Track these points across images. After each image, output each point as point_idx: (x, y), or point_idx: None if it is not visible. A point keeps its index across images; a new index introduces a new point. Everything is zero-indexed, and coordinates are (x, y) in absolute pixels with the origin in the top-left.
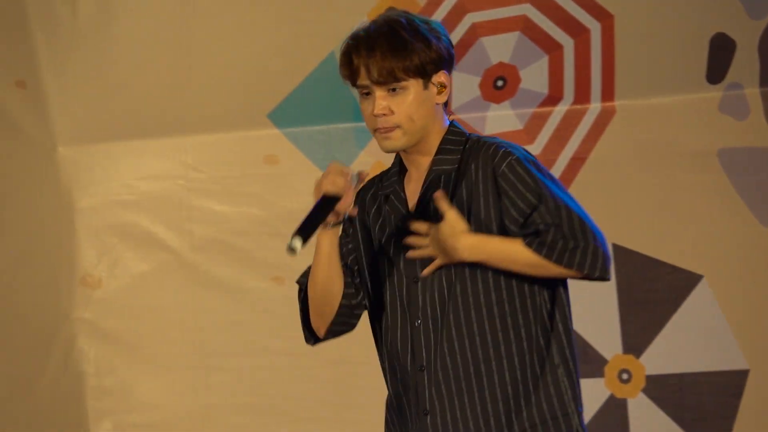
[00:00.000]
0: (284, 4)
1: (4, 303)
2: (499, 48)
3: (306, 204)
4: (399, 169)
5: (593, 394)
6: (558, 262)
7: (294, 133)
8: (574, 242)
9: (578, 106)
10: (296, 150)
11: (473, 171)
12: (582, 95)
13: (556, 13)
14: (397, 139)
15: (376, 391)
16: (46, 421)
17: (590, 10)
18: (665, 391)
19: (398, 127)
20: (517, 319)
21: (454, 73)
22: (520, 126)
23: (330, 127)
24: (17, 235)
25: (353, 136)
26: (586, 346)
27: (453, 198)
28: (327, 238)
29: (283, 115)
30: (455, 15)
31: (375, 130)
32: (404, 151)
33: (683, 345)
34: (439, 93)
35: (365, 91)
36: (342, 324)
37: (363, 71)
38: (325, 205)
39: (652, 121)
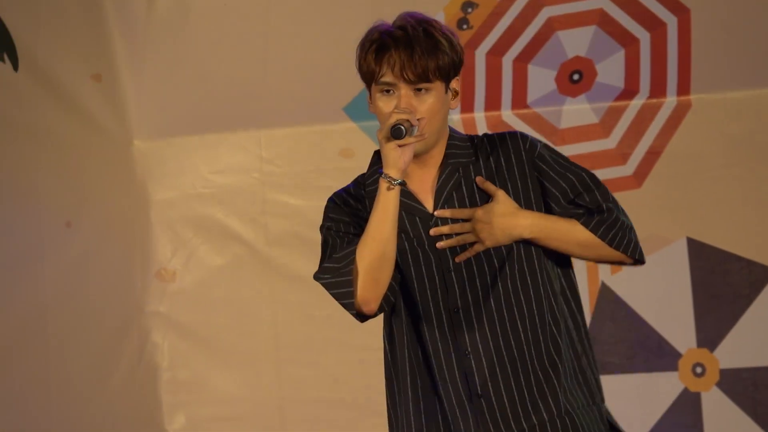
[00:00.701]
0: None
1: (79, 296)
2: (575, 42)
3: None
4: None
5: (667, 387)
6: (611, 243)
7: (370, 127)
8: (622, 226)
9: (654, 100)
10: (372, 143)
11: (501, 160)
12: (658, 89)
13: (632, 7)
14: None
15: None
16: (120, 414)
17: (666, 4)
18: (739, 385)
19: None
20: (548, 305)
21: (531, 67)
22: (595, 120)
23: None
24: (93, 228)
25: None
26: (661, 340)
27: (475, 183)
28: (394, 194)
29: (359, 109)
30: (531, 9)
31: None
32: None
33: (757, 339)
34: (453, 98)
35: (387, 88)
36: (392, 293)
37: (397, 68)
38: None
39: (728, 115)
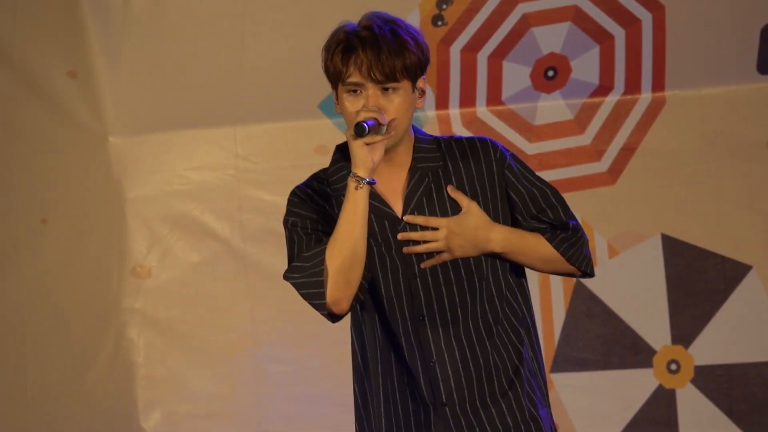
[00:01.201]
0: None
1: (55, 293)
2: (550, 38)
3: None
4: (349, 170)
5: (642, 384)
6: (570, 259)
7: (344, 124)
8: (582, 243)
9: (629, 97)
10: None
11: (470, 167)
12: (633, 85)
13: (607, 3)
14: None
15: None
16: (96, 410)
17: (641, 1)
18: (714, 381)
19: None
20: (511, 314)
21: (506, 63)
22: (570, 116)
23: None
24: (69, 225)
25: None
26: (635, 337)
27: (445, 189)
28: (363, 194)
29: (334, 106)
30: (507, 5)
31: None
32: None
33: (732, 335)
34: (420, 98)
35: (354, 88)
36: (361, 291)
37: (364, 68)
38: (371, 124)
39: (703, 112)
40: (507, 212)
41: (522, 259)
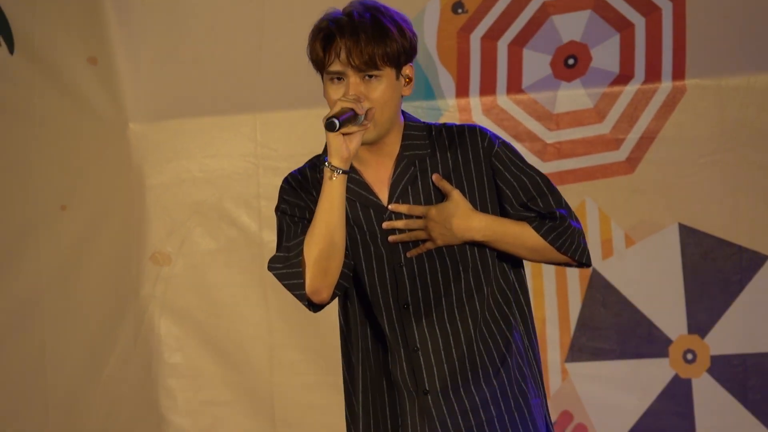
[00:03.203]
0: None
1: (74, 279)
2: (570, 26)
3: None
4: None
5: (657, 374)
6: (560, 249)
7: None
8: (572, 232)
9: (649, 85)
10: None
11: (457, 155)
12: (653, 74)
13: None
14: (369, 131)
15: None
16: (115, 397)
17: None
18: (729, 371)
19: (372, 108)
20: (498, 302)
21: (526, 51)
22: (590, 105)
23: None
24: (88, 212)
25: (424, 114)
26: (651, 327)
27: (431, 177)
28: (339, 183)
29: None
30: None
31: None
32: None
33: (748, 325)
34: (406, 85)
35: (337, 76)
36: (345, 280)
37: (343, 55)
38: (347, 116)
39: (723, 101)
40: (495, 201)
41: (507, 248)
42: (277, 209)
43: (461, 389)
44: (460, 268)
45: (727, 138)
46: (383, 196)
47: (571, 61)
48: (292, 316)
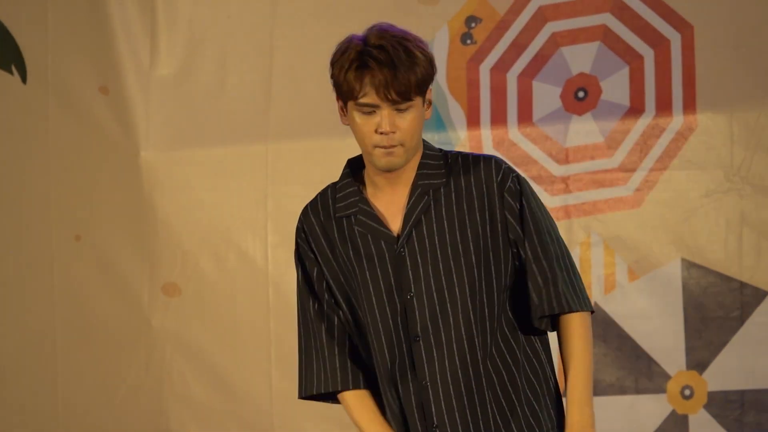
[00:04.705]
0: (364, 12)
1: (88, 309)
2: (579, 58)
3: None
4: (356, 186)
5: (655, 409)
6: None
7: None
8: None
9: (659, 120)
10: None
11: (470, 184)
12: (663, 108)
13: (635, 22)
14: (400, 157)
15: None
16: (126, 426)
17: (670, 20)
18: (727, 407)
19: (401, 144)
20: (509, 334)
21: (536, 83)
22: (601, 139)
23: None
24: (101, 241)
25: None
26: (651, 362)
27: (446, 210)
28: None
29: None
30: (536, 23)
31: (375, 147)
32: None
33: (746, 361)
34: (427, 109)
35: (369, 109)
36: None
37: (381, 90)
38: None
39: (733, 136)
40: (497, 233)
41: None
42: (296, 265)
43: (470, 424)
44: (468, 300)
45: (735, 173)
46: (395, 225)
47: (581, 94)
48: (293, 348)
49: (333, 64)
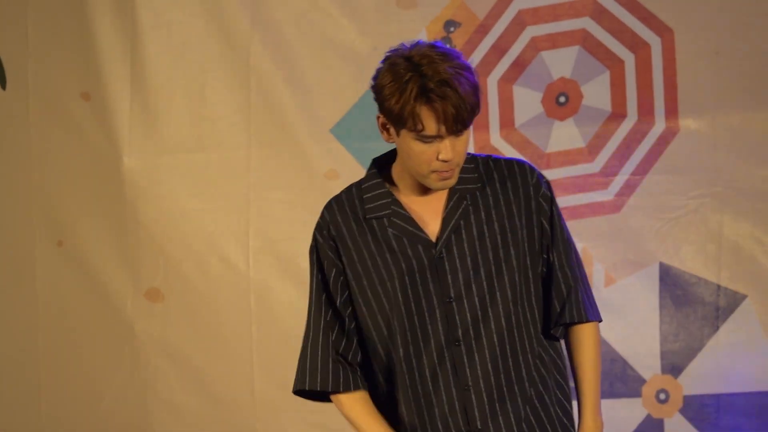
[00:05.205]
0: (344, 18)
1: (69, 315)
2: (559, 62)
3: None
4: (386, 188)
5: (630, 414)
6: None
7: (356, 148)
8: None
9: (641, 125)
10: (357, 165)
11: (507, 189)
12: (645, 113)
13: (615, 26)
14: (455, 177)
15: None
16: None
17: (650, 24)
18: (702, 411)
19: (457, 165)
20: (539, 338)
21: (517, 88)
22: (582, 144)
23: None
24: (84, 247)
25: None
26: (626, 366)
27: (485, 215)
28: None
29: (346, 130)
30: (515, 28)
31: (433, 171)
32: None
33: (722, 365)
34: None
35: (431, 140)
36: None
37: (449, 123)
38: None
39: (715, 141)
40: (533, 239)
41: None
42: (311, 261)
43: (513, 426)
44: (510, 304)
45: (715, 178)
46: (433, 230)
47: (562, 99)
48: (275, 354)
49: (383, 88)
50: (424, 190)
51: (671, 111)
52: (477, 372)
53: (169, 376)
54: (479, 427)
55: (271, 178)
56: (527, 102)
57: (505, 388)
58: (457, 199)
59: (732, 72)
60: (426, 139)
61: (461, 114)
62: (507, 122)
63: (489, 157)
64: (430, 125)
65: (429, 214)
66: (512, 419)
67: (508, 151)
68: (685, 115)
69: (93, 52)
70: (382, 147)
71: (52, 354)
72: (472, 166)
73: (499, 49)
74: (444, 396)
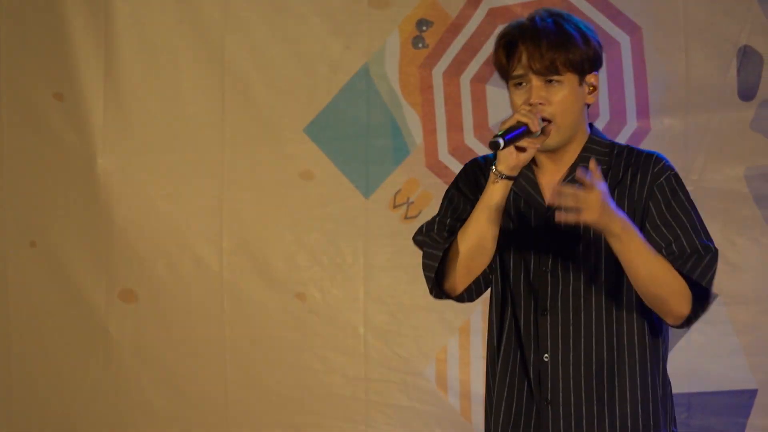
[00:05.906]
0: (315, 16)
1: (42, 316)
2: None
3: (345, 223)
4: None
5: None
6: (690, 281)
7: (330, 148)
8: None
9: (613, 125)
10: (332, 165)
11: (634, 178)
12: (617, 112)
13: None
14: (552, 137)
15: (397, 409)
16: None
17: (617, 22)
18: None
19: (551, 122)
20: (636, 328)
21: (489, 87)
22: None
23: (366, 143)
24: (57, 248)
25: (391, 153)
26: None
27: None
28: (500, 189)
29: (320, 130)
30: (486, 26)
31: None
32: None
33: (693, 365)
34: (590, 93)
35: (520, 81)
36: (482, 284)
37: (524, 59)
38: (519, 131)
39: (686, 141)
40: (642, 220)
41: (636, 264)
42: (448, 190)
43: (583, 405)
44: (602, 281)
45: (686, 178)
46: (548, 198)
47: None
48: (248, 354)
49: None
50: (553, 165)
51: (642, 110)
52: (557, 344)
53: (143, 376)
54: (549, 399)
55: (244, 179)
56: (500, 101)
57: (582, 366)
58: (575, 170)
59: (701, 69)
60: (515, 80)
61: (542, 52)
62: (480, 122)
63: (627, 146)
64: (513, 64)
65: (550, 185)
66: (583, 397)
67: (483, 151)
68: (655, 114)
69: (66, 52)
70: (357, 146)
71: (25, 355)
72: (605, 150)
73: (471, 48)
74: (523, 361)
